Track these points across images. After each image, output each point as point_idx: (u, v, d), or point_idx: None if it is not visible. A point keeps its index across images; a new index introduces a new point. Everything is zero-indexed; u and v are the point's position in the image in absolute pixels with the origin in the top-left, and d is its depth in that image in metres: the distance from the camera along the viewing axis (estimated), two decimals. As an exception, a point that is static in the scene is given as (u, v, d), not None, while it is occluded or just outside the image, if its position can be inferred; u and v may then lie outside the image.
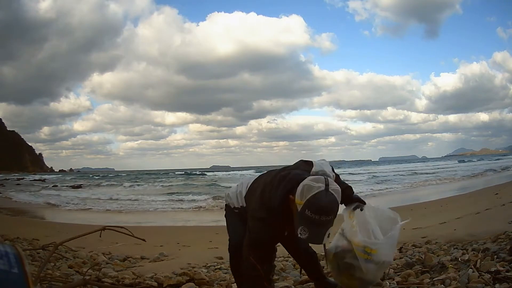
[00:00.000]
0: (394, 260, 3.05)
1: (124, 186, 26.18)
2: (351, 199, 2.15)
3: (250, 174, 2.92)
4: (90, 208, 13.26)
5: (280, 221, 1.85)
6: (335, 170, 2.08)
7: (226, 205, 2.26)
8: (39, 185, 29.50)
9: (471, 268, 2.40)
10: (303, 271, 2.52)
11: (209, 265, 3.95)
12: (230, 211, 2.21)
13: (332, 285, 2.31)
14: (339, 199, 1.70)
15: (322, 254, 2.23)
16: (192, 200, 15.02)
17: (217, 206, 12.48)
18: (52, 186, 27.84)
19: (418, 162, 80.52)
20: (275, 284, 2.78)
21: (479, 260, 2.54)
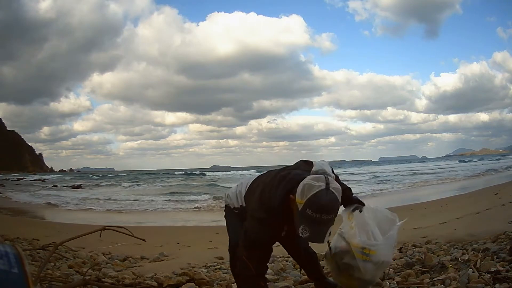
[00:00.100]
0: (394, 260, 3.05)
1: (124, 186, 26.16)
2: (351, 200, 2.16)
3: (250, 174, 2.92)
4: (90, 208, 13.26)
5: (279, 221, 1.85)
6: (335, 171, 2.08)
7: (225, 205, 2.26)
8: (39, 185, 29.49)
9: (471, 268, 2.40)
10: (303, 271, 2.52)
11: (209, 265, 3.95)
12: (230, 212, 2.21)
13: (332, 285, 2.31)
14: (339, 198, 1.70)
15: (322, 254, 2.23)
16: (192, 200, 14.99)
17: (217, 206, 12.47)
18: (52, 186, 27.82)
19: (418, 162, 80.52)
20: (275, 284, 2.78)
21: (479, 260, 2.54)
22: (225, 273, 3.32)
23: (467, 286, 2.17)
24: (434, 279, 2.41)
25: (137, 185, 27.17)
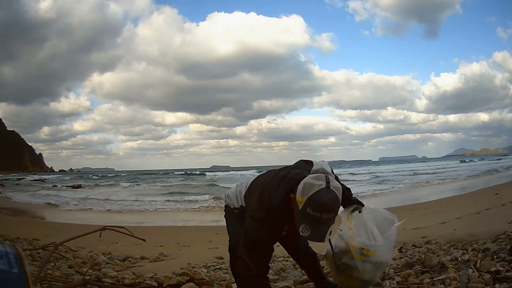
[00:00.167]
0: (394, 260, 3.05)
1: (124, 186, 26.15)
2: (350, 201, 2.16)
3: (250, 174, 2.91)
4: (90, 208, 13.25)
5: (280, 221, 1.85)
6: (335, 171, 2.08)
7: (225, 205, 2.25)
8: (39, 185, 29.47)
9: (471, 268, 2.40)
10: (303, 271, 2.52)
11: (209, 265, 3.95)
12: (229, 212, 2.21)
13: (331, 285, 2.31)
14: (340, 197, 1.70)
15: (322, 254, 2.23)
16: (192, 200, 15.01)
17: (217, 206, 12.47)
18: (52, 186, 27.80)
19: (418, 162, 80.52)
20: (275, 284, 2.78)
21: (479, 260, 2.54)
22: (225, 273, 3.32)
23: (467, 286, 2.17)
24: (434, 279, 2.41)
25: (137, 185, 27.18)
